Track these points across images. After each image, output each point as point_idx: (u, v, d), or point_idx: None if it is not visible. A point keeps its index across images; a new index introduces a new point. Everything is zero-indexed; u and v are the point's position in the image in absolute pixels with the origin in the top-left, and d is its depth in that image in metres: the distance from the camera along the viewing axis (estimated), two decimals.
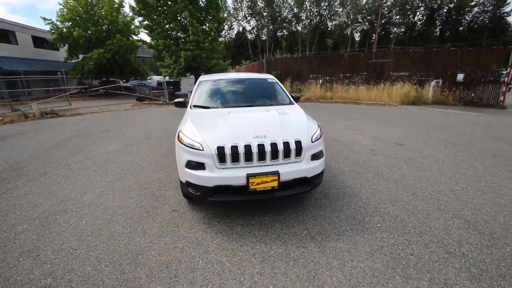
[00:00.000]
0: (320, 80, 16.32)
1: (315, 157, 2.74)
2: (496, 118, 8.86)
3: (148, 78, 29.14)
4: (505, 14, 49.51)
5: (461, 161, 4.54)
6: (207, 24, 18.16)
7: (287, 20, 60.16)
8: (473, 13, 51.51)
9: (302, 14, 58.46)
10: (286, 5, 59.12)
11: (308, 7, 57.11)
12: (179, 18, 17.47)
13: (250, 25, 61.23)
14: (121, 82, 25.37)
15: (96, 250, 2.40)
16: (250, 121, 3.14)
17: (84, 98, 18.53)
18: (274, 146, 2.53)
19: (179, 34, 18.24)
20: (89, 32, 19.68)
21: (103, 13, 20.30)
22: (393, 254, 2.26)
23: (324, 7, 56.77)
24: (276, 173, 2.48)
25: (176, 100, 3.87)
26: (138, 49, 24.44)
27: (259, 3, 57.11)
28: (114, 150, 5.73)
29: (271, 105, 3.71)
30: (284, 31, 61.24)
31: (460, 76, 12.36)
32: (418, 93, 13.11)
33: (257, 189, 2.48)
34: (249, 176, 2.43)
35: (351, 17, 58.34)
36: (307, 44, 57.82)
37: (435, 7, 52.63)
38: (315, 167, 2.70)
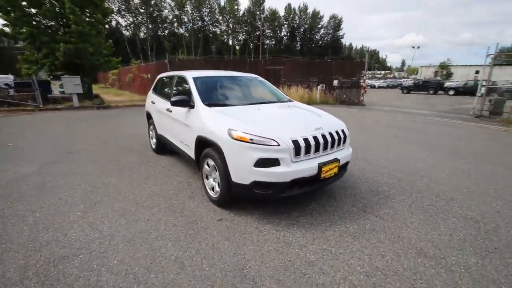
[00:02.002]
0: None
1: (348, 144, 3.20)
2: (366, 111, 12.29)
3: None
4: (340, 36, 67.78)
5: (392, 144, 6.11)
6: (87, 14, 15.12)
7: (168, 21, 57.65)
8: (320, 33, 67.27)
9: (184, 17, 57.65)
10: (166, 5, 56.59)
11: (189, 11, 56.88)
12: (47, 3, 13.63)
13: (125, 21, 54.59)
14: None
15: (182, 285, 1.91)
16: (290, 116, 3.24)
17: None
18: (331, 136, 2.79)
19: (45, 21, 14.21)
20: None
21: None
22: (421, 207, 3.03)
23: (206, 13, 58.24)
24: (337, 160, 2.76)
25: (178, 98, 3.26)
26: None
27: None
28: (34, 172, 4.11)
29: (278, 101, 3.86)
30: (166, 31, 58.41)
31: (335, 82, 16.12)
32: (309, 95, 16.04)
33: (326, 177, 2.68)
34: (321, 166, 2.59)
35: (231, 26, 62.76)
36: (192, 47, 57.56)
37: (295, 26, 64.77)
38: (351, 153, 3.16)
